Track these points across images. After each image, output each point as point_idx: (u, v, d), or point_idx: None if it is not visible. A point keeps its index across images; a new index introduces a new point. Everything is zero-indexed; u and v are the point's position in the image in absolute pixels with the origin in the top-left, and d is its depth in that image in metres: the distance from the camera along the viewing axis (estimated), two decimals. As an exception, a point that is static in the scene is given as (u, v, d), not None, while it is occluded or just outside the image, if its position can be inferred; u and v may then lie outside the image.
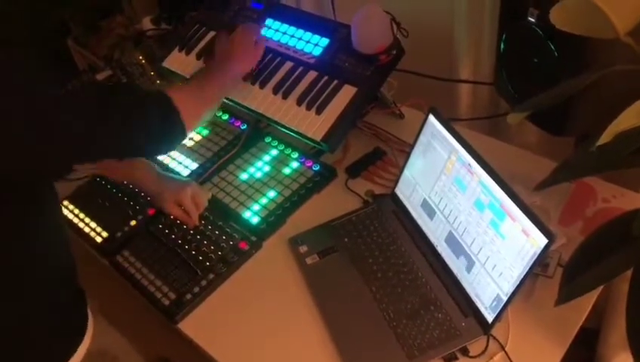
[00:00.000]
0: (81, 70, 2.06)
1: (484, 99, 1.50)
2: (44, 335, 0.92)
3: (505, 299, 0.91)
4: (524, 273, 0.87)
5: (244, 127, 1.41)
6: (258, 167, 1.31)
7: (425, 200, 1.09)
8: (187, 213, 1.18)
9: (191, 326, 1.07)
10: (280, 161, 1.31)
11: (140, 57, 1.60)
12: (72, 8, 2.11)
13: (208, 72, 1.15)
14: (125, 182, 1.31)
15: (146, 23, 1.76)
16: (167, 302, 1.08)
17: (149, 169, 1.18)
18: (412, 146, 1.13)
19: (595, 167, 0.73)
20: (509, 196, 0.90)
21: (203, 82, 1.10)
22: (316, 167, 1.27)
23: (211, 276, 1.11)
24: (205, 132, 1.43)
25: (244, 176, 1.30)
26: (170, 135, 0.98)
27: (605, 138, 0.65)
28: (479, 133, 1.33)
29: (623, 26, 0.63)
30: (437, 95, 1.42)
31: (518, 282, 0.89)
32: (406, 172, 1.15)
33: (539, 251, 0.85)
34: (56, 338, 0.94)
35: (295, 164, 1.29)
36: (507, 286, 0.90)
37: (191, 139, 1.42)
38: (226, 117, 1.46)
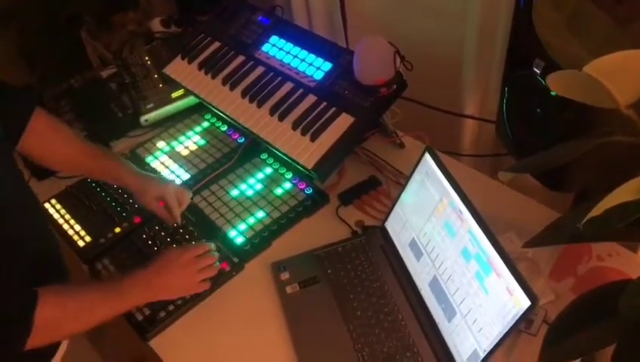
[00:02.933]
0: (91, 65, 2.05)
1: (488, 136, 1.46)
2: None
3: (482, 355, 0.87)
4: (504, 332, 0.84)
5: (241, 140, 1.39)
6: (250, 185, 1.28)
7: (413, 239, 1.06)
8: (168, 211, 1.15)
9: (162, 344, 1.04)
10: (273, 180, 1.28)
11: (146, 58, 1.59)
12: (86, 0, 2.10)
13: (121, 289, 0.93)
14: (110, 183, 1.28)
15: (156, 24, 1.75)
16: (140, 318, 1.06)
17: (131, 166, 1.15)
18: (406, 182, 1.09)
19: (584, 236, 0.70)
20: (496, 251, 0.86)
21: (93, 313, 0.89)
22: (309, 191, 1.24)
23: (188, 295, 1.08)
24: (202, 141, 1.41)
25: (234, 192, 1.27)
26: (5, 334, 0.80)
27: (595, 212, 0.62)
28: (481, 169, 1.30)
29: (625, 99, 0.59)
30: (441, 127, 1.38)
31: (497, 341, 0.85)
32: (397, 207, 1.12)
33: (521, 312, 0.82)
34: None
35: (288, 185, 1.27)
36: (486, 343, 0.87)
37: (186, 147, 1.40)
38: (224, 128, 1.43)
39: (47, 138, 1.07)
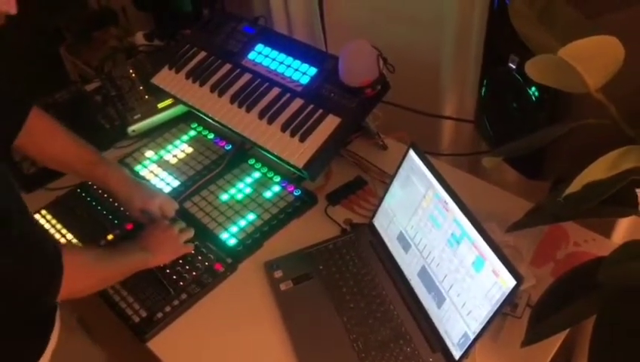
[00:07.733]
0: (71, 80, 2.07)
1: (466, 136, 1.53)
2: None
3: (472, 337, 0.92)
4: (492, 313, 0.89)
5: (228, 147, 1.42)
6: (239, 189, 1.32)
7: (401, 232, 1.11)
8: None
9: (160, 345, 1.06)
10: (262, 184, 1.32)
11: (131, 71, 1.61)
12: (67, 17, 2.12)
13: (125, 253, 1.07)
14: (100, 191, 1.33)
15: (139, 38, 1.78)
16: (137, 320, 1.08)
17: (122, 174, 1.19)
18: (392, 179, 1.14)
19: (563, 214, 0.75)
20: (481, 236, 0.91)
21: (111, 261, 1.02)
22: (297, 193, 1.28)
23: (184, 296, 1.10)
24: (189, 150, 1.44)
25: (224, 196, 1.30)
26: (39, 290, 0.86)
27: (573, 188, 0.67)
28: (459, 169, 1.36)
29: (594, 82, 0.65)
30: (421, 129, 1.44)
31: (485, 321, 0.90)
32: (384, 203, 1.17)
33: (507, 292, 0.86)
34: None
35: (276, 188, 1.30)
36: (475, 325, 0.92)
37: (175, 156, 1.43)
38: (211, 136, 1.47)
39: (43, 139, 1.10)
